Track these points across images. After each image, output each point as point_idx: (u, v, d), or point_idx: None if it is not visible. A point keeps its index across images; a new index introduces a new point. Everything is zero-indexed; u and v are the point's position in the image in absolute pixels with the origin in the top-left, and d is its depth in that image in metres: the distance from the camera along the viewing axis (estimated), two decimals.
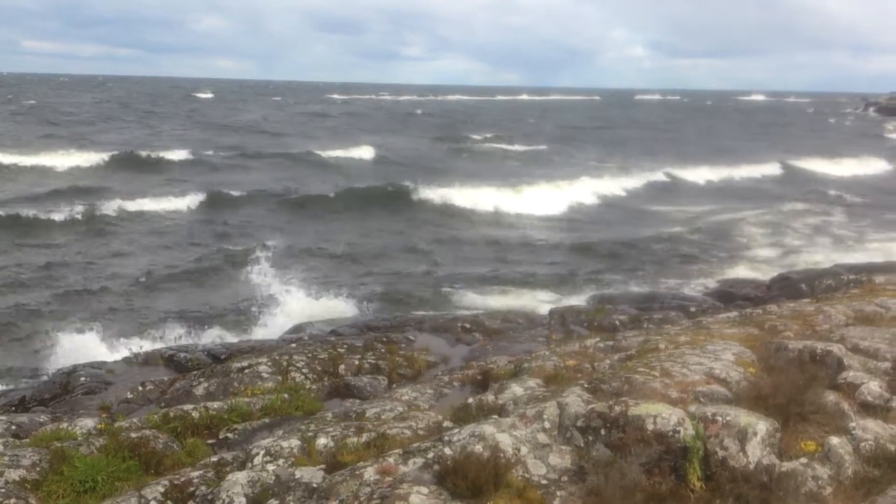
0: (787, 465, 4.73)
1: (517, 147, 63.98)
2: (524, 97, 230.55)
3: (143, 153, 47.51)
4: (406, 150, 59.13)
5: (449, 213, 35.38)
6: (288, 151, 53.65)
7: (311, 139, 63.67)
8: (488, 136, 72.81)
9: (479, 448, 5.04)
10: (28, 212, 29.21)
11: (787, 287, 16.88)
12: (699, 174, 49.55)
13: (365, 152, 54.81)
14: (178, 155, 48.24)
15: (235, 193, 35.61)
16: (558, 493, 4.79)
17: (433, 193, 37.02)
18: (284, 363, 10.19)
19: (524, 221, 34.75)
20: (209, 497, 5.46)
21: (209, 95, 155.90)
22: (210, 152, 51.08)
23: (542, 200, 37.94)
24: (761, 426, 4.87)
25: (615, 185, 43.51)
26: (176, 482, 5.82)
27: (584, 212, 37.55)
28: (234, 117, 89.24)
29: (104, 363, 12.24)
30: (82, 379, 11.09)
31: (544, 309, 17.03)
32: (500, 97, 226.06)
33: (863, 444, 5.10)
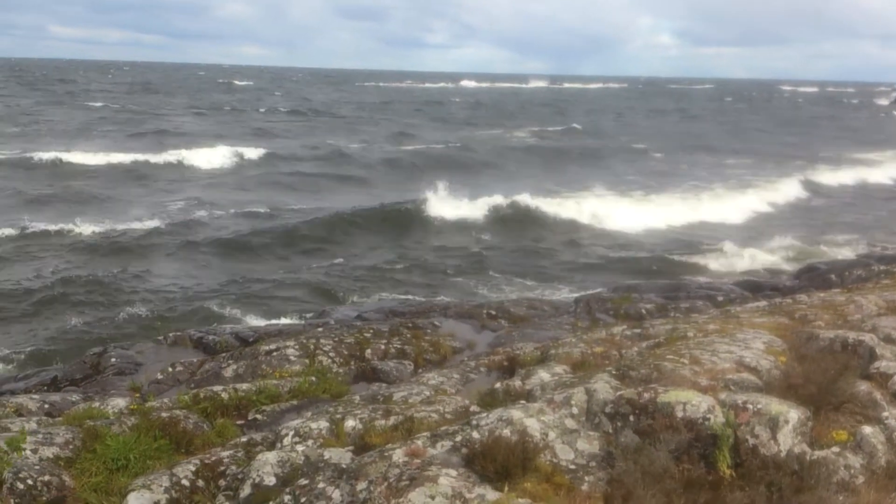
0: (818, 454, 4.69)
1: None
2: (563, 85, 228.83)
3: None
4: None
5: None
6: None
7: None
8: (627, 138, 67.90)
9: (507, 432, 5.06)
10: None
11: (816, 277, 16.70)
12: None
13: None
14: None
15: None
16: (586, 478, 4.79)
17: None
18: (312, 346, 10.27)
19: None
20: (239, 476, 5.54)
21: (248, 83, 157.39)
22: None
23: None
24: (793, 415, 4.83)
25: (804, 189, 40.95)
26: (207, 461, 5.90)
27: None
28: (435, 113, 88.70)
29: (133, 344, 12.41)
30: (113, 360, 11.25)
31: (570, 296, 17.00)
32: (533, 84, 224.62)
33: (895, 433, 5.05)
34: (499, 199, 32.77)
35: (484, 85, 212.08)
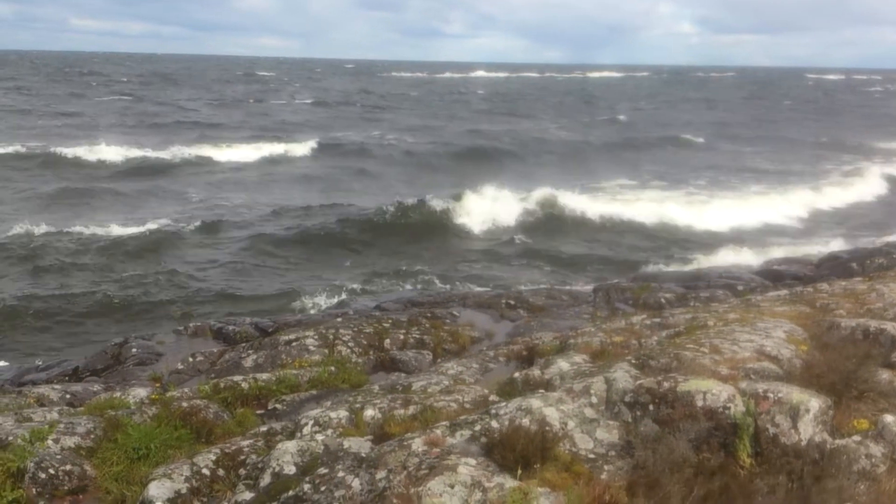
0: (839, 443, 4.65)
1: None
2: (586, 74, 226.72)
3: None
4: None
5: None
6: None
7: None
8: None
9: (526, 421, 5.05)
10: None
11: (837, 266, 16.52)
12: None
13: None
14: None
15: None
16: (606, 467, 4.78)
17: None
18: (331, 337, 10.31)
19: None
20: (260, 465, 5.58)
21: (270, 73, 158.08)
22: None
23: None
24: (814, 403, 4.79)
25: None
26: (227, 451, 5.95)
27: None
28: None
29: (154, 334, 12.52)
30: (134, 350, 11.35)
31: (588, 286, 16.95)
32: (553, 74, 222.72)
33: None
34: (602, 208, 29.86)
35: (502, 75, 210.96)
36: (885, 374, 5.71)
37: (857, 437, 4.78)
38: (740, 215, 29.97)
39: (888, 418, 4.93)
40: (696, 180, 38.27)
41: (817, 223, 30.14)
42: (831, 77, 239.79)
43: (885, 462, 4.64)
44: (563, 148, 51.79)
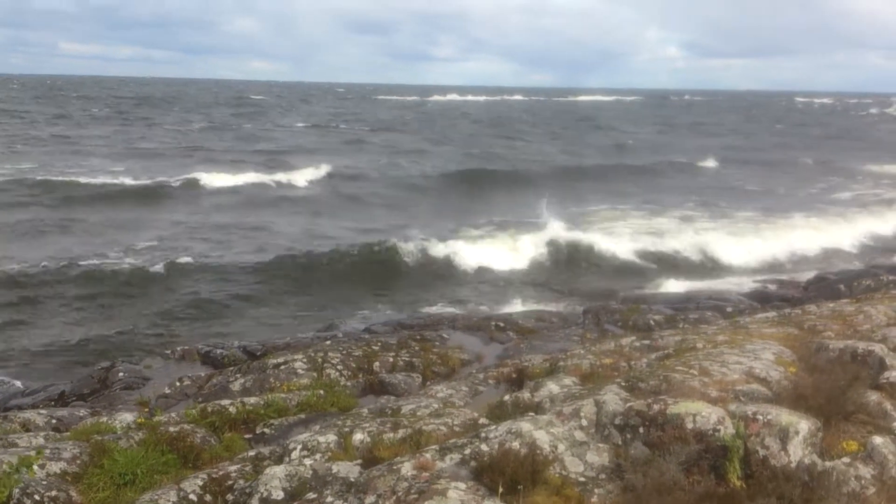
0: (829, 465, 4.66)
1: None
2: (578, 98, 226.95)
3: None
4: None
5: None
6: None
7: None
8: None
9: (516, 445, 5.03)
10: None
11: (825, 288, 16.62)
12: None
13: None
14: None
15: None
16: (596, 490, 4.77)
17: None
18: (319, 360, 10.27)
19: None
20: (247, 490, 5.53)
21: (261, 97, 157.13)
22: None
23: None
24: (803, 425, 4.80)
25: None
26: (214, 476, 5.89)
27: None
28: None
29: (141, 359, 12.43)
30: (121, 374, 11.27)
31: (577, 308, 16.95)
32: (545, 98, 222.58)
33: None
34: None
35: (496, 98, 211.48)
36: (873, 396, 5.74)
37: (846, 459, 4.79)
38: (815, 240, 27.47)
39: (877, 440, 4.94)
40: (744, 210, 34.98)
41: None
42: (825, 100, 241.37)
43: (875, 484, 4.65)
44: (574, 173, 48.85)
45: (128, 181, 39.61)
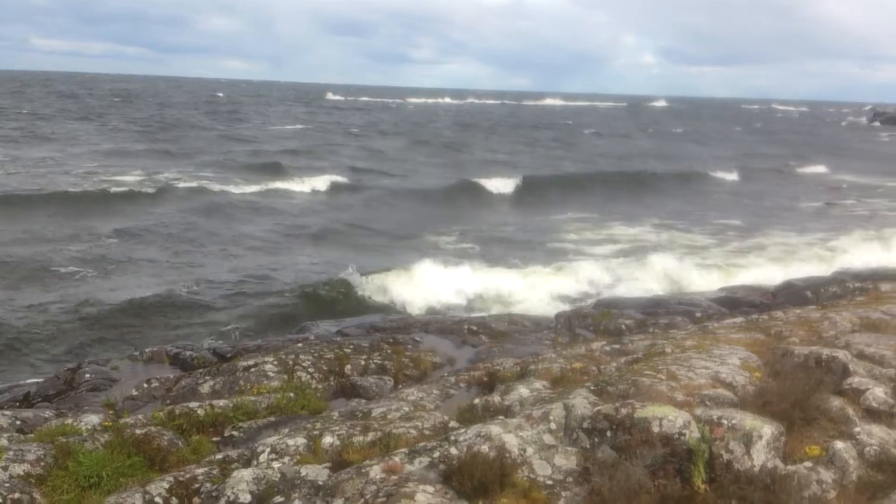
0: (791, 469, 4.73)
1: None
2: (555, 102, 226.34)
3: None
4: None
5: None
6: None
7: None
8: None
9: (485, 448, 5.06)
10: None
11: (793, 294, 16.82)
12: None
13: None
14: None
15: None
16: (563, 493, 4.80)
17: None
18: (290, 362, 10.21)
19: None
20: (214, 494, 5.49)
21: (235, 96, 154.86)
22: None
23: None
24: (766, 430, 4.87)
25: None
26: (181, 479, 5.84)
27: None
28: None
29: (109, 360, 12.27)
30: (87, 376, 11.12)
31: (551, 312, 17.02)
32: (530, 102, 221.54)
33: (867, 448, 5.10)
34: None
35: (477, 101, 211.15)
36: (836, 402, 5.84)
37: (808, 464, 4.87)
38: None
39: (839, 445, 5.03)
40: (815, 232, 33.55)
41: None
42: (802, 109, 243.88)
43: (836, 488, 4.73)
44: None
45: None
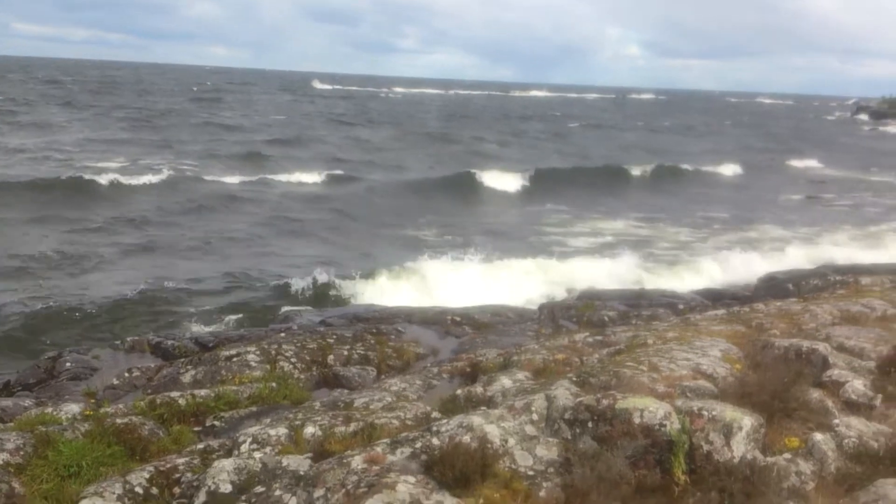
0: (770, 460, 4.77)
1: None
2: (541, 93, 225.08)
3: None
4: None
5: None
6: None
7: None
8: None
9: (466, 438, 5.06)
10: None
11: (774, 287, 16.95)
12: None
13: None
14: None
15: None
16: (544, 484, 4.81)
17: None
18: (273, 352, 10.18)
19: None
20: (195, 483, 5.47)
21: (220, 84, 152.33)
22: None
23: None
24: (746, 421, 4.91)
25: None
26: (161, 468, 5.82)
27: None
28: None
29: (89, 349, 12.19)
30: (68, 364, 11.04)
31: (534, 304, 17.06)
32: (517, 93, 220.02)
33: (846, 440, 5.14)
34: None
35: (463, 92, 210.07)
36: (815, 394, 5.88)
37: (787, 455, 4.91)
38: None
39: (818, 436, 5.07)
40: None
41: None
42: (788, 102, 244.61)
43: (814, 479, 4.77)
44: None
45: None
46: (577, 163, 53.79)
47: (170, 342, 12.04)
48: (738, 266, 23.62)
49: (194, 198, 34.47)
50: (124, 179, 36.46)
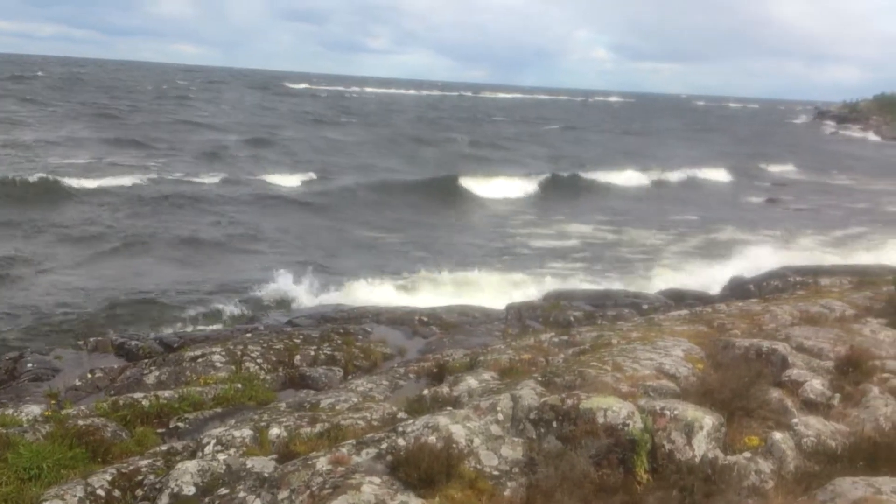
0: (731, 459, 4.85)
1: None
2: (511, 95, 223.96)
3: None
4: None
5: None
6: None
7: None
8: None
9: (432, 439, 5.08)
10: None
11: (737, 287, 17.20)
12: None
13: None
14: None
15: None
16: (509, 483, 4.85)
17: None
18: (239, 353, 10.11)
19: None
20: (158, 486, 5.43)
21: (186, 83, 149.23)
22: None
23: None
24: (707, 421, 4.98)
25: None
26: (124, 471, 5.76)
27: None
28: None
29: (52, 349, 12.00)
30: (29, 365, 10.86)
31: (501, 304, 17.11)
32: (487, 94, 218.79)
33: (804, 439, 5.25)
34: None
35: (436, 93, 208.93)
36: (775, 393, 5.99)
37: (747, 454, 4.99)
38: None
39: (777, 435, 5.17)
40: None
41: None
42: (755, 106, 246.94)
43: (774, 478, 4.86)
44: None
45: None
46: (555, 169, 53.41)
47: (133, 343, 11.90)
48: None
49: (159, 198, 33.57)
50: (87, 181, 35.15)
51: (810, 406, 6.00)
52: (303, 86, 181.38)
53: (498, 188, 42.69)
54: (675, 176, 52.04)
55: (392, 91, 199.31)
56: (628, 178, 49.53)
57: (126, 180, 36.27)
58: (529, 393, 5.68)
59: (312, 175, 42.80)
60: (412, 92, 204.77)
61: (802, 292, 12.87)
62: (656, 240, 31.76)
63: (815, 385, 6.21)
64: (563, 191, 44.01)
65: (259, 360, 10.08)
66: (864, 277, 14.56)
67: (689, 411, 5.04)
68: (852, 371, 6.66)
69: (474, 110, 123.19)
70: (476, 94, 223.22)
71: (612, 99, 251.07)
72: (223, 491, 4.98)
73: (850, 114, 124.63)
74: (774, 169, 59.65)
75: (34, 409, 7.85)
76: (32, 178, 33.97)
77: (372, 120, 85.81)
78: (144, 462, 5.92)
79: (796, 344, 7.39)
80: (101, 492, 5.47)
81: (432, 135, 70.63)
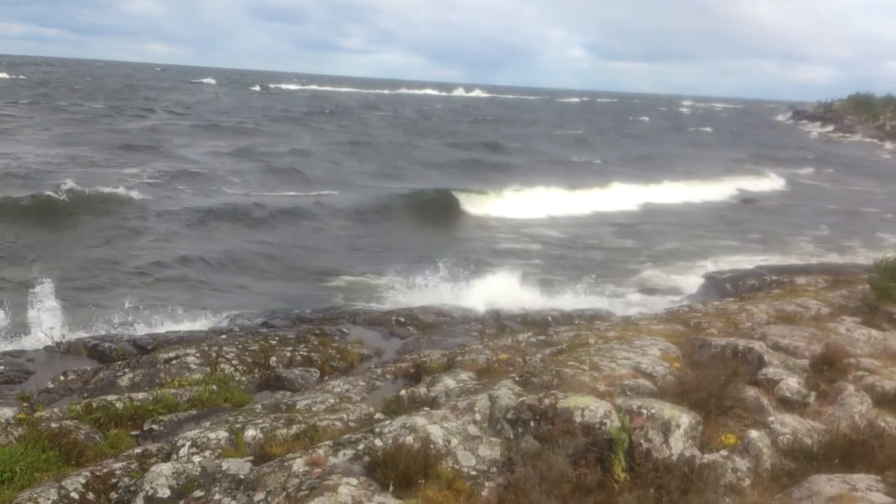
0: (708, 457, 4.86)
1: None
2: (485, 94, 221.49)
3: None
4: None
5: None
6: None
7: None
8: None
9: (409, 440, 5.05)
10: None
11: (713, 286, 17.33)
12: None
13: None
14: None
15: None
16: (487, 483, 4.83)
17: None
18: (214, 354, 10.01)
19: None
20: (132, 489, 5.35)
21: (155, 81, 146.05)
22: None
23: None
24: (684, 419, 5.00)
25: None
26: (98, 473, 5.68)
27: None
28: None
29: (24, 351, 11.81)
30: (1, 368, 10.68)
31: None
32: (460, 93, 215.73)
33: (781, 437, 5.28)
34: None
35: (430, 91, 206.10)
36: (751, 392, 6.03)
37: (724, 452, 5.01)
38: None
39: (753, 434, 5.19)
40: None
41: None
42: (738, 106, 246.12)
43: (750, 476, 4.89)
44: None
45: None
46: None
47: (107, 344, 11.74)
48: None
49: (108, 215, 26.53)
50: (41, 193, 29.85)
51: (786, 404, 6.04)
52: (278, 86, 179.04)
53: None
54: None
55: (367, 91, 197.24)
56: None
57: (76, 193, 30.62)
58: (507, 393, 5.68)
59: (299, 181, 39.91)
60: (389, 91, 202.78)
61: (778, 291, 12.99)
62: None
63: (791, 383, 6.26)
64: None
65: (234, 362, 9.99)
66: (839, 276, 14.72)
67: (666, 410, 5.05)
68: (827, 369, 6.73)
69: (450, 112, 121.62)
70: (449, 92, 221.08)
71: (585, 99, 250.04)
72: (198, 493, 4.92)
73: (826, 114, 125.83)
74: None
75: (6, 412, 7.72)
76: None
77: (345, 124, 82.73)
78: (119, 465, 5.84)
79: (772, 342, 7.45)
80: (75, 495, 5.39)
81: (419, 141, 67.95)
